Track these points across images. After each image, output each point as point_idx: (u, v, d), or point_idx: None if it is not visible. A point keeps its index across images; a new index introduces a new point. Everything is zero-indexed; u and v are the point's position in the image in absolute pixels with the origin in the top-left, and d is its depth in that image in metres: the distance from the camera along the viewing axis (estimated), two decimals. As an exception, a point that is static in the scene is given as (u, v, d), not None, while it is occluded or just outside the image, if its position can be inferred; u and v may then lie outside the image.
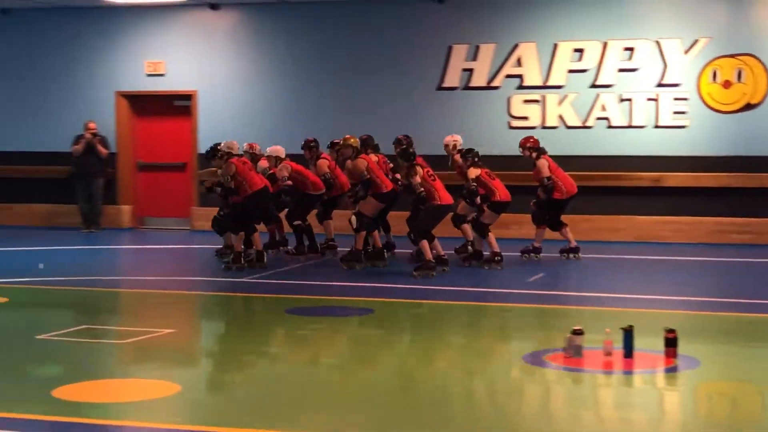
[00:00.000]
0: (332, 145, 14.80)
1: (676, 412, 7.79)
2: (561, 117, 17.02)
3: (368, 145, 14.50)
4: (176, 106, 18.73)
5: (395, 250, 14.82)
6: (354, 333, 10.45)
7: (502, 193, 14.07)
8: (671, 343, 8.75)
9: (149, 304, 12.18)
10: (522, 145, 14.73)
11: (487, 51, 17.21)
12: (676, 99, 16.63)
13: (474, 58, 17.29)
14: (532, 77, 17.10)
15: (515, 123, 17.14)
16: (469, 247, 14.33)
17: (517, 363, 8.89)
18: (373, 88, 17.70)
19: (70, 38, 18.81)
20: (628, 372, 8.53)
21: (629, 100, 16.77)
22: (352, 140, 14.06)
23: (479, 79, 17.29)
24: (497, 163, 15.63)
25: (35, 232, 18.03)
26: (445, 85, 17.43)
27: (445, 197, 13.39)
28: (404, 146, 14.07)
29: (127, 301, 12.61)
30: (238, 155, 13.97)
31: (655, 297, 11.92)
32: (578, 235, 15.16)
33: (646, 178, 16.70)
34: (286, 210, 14.82)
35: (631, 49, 16.75)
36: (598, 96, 16.88)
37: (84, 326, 10.56)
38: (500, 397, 8.02)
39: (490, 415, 7.52)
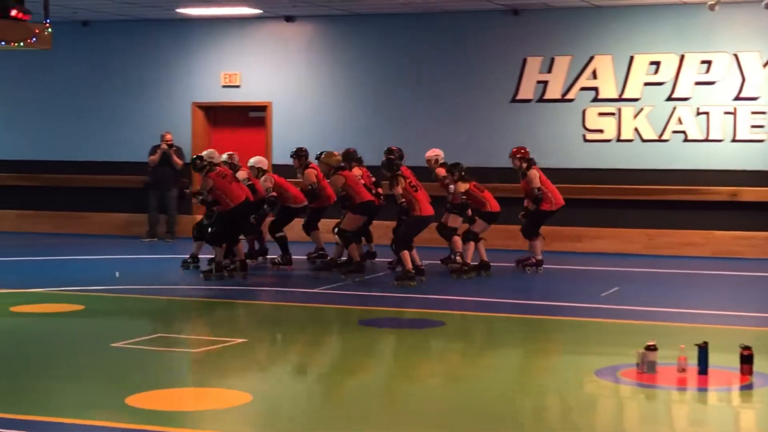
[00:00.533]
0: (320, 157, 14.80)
1: (751, 429, 7.66)
2: (636, 130, 16.84)
3: (351, 158, 14.79)
4: (251, 117, 18.87)
5: (375, 259, 14.99)
6: (426, 345, 10.41)
7: (492, 203, 14.29)
8: (747, 360, 8.61)
9: (221, 313, 12.26)
10: (512, 155, 14.76)
11: (562, 63, 17.11)
12: (753, 113, 16.37)
13: (549, 71, 17.19)
14: (608, 90, 16.96)
15: (590, 136, 17.00)
16: (458, 258, 14.36)
17: (590, 378, 8.80)
18: (446, 99, 17.67)
19: (148, 50, 19.06)
20: (703, 389, 8.40)
21: (706, 113, 16.55)
22: (333, 159, 14.18)
23: (554, 92, 17.19)
24: (572, 176, 15.51)
25: (111, 241, 18.26)
26: (520, 97, 17.35)
27: (426, 209, 13.65)
28: (391, 157, 14.24)
29: (199, 310, 12.70)
30: (219, 164, 14.19)
31: (731, 313, 11.73)
32: (654, 250, 14.98)
33: (722, 192, 16.46)
34: (270, 220, 15.10)
35: (708, 62, 16.54)
36: (674, 109, 16.68)
37: (157, 335, 10.66)
38: (572, 414, 7.94)
39: None
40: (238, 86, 18.65)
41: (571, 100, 17.10)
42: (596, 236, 15.34)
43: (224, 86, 18.70)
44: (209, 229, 14.04)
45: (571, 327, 11.36)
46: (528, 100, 17.31)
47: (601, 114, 16.98)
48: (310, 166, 14.92)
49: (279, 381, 9.06)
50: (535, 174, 14.52)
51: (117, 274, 14.25)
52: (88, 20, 18.99)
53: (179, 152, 18.42)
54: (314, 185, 14.74)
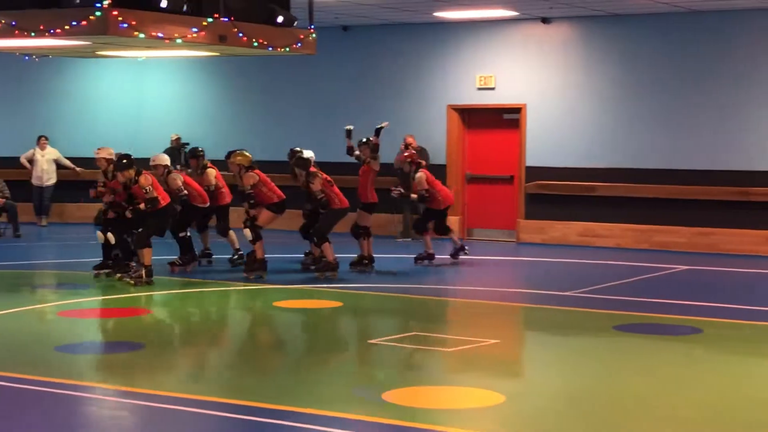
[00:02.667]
0: (228, 156, 14.75)
1: None
2: None
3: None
4: (505, 119, 18.91)
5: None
6: (687, 352, 10.15)
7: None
8: None
9: (475, 313, 12.35)
10: (402, 160, 15.78)
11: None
12: None
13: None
14: None
15: None
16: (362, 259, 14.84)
17: None
18: (705, 100, 17.17)
19: (405, 53, 19.39)
20: None
21: None
22: (239, 158, 14.26)
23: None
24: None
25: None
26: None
27: (343, 201, 14.38)
28: (298, 154, 14.75)
29: (453, 310, 12.84)
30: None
31: None
32: None
33: None
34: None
35: None
36: None
37: (413, 333, 10.84)
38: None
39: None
40: (492, 88, 18.72)
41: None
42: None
43: (479, 88, 18.81)
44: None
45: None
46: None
47: None
48: (209, 166, 15.03)
49: (532, 382, 9.05)
50: (422, 176, 15.38)
51: (374, 272, 14.60)
52: (348, 25, 19.50)
53: (423, 153, 18.57)
54: (211, 186, 14.86)
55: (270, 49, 12.79)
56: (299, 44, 12.96)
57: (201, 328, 11.62)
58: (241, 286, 13.60)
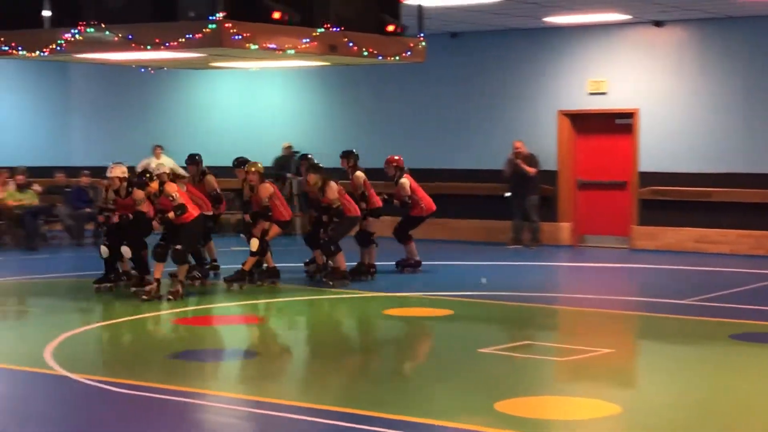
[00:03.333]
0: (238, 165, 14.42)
1: None
2: None
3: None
4: (617, 124, 18.69)
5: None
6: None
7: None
8: None
9: (587, 322, 12.22)
10: (387, 163, 15.29)
11: None
12: None
13: None
14: None
15: None
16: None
17: None
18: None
19: (514, 59, 19.29)
20: None
21: None
22: (258, 167, 14.02)
23: None
24: None
25: (476, 247, 18.60)
26: None
27: (355, 209, 14.26)
28: (311, 161, 14.60)
29: (566, 318, 12.72)
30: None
31: None
32: None
33: None
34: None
35: None
36: None
37: (524, 342, 10.77)
38: None
39: None
40: (604, 93, 18.52)
41: None
42: None
43: (590, 93, 18.62)
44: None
45: None
46: None
47: None
48: (207, 172, 14.76)
49: (647, 393, 8.91)
50: (406, 182, 15.13)
51: (483, 280, 14.51)
52: (457, 32, 19.47)
53: (530, 159, 18.47)
54: (218, 190, 14.68)
55: (380, 57, 12.83)
56: (409, 52, 12.98)
57: (313, 336, 11.71)
58: (352, 294, 13.66)
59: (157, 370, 9.64)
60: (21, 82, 21.77)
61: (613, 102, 18.46)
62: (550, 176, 18.71)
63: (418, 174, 19.74)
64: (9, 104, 21.92)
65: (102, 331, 11.74)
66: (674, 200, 17.87)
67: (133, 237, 13.41)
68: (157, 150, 20.78)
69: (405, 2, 13.26)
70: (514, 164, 18.44)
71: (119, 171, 13.51)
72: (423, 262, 15.46)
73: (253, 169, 14.04)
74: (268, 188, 14.01)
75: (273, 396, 8.52)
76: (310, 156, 15.24)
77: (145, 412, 8.15)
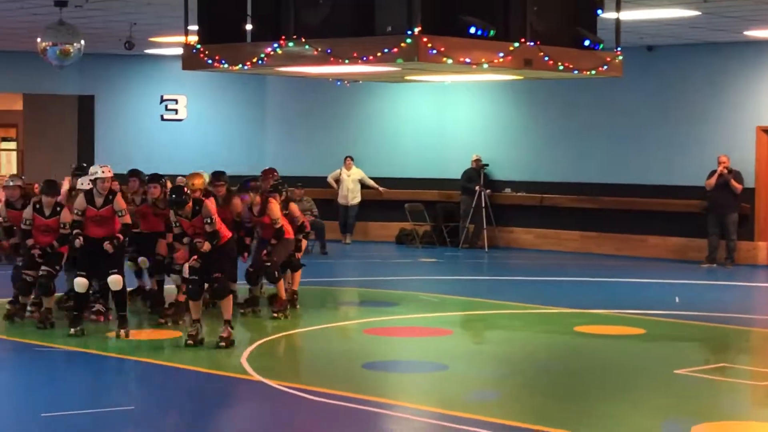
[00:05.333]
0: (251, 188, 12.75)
1: None
2: None
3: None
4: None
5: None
6: None
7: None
8: None
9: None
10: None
11: None
12: None
13: None
14: None
15: None
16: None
17: None
18: None
19: (712, 73, 18.83)
20: None
21: None
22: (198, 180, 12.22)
23: None
24: None
25: (668, 265, 18.21)
26: None
27: (291, 231, 12.78)
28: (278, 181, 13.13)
29: (762, 340, 12.34)
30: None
31: None
32: None
33: None
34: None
35: None
36: None
37: (721, 364, 10.49)
38: None
39: None
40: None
41: None
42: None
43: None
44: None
45: None
46: None
47: None
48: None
49: None
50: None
51: (677, 299, 14.22)
52: (653, 45, 19.14)
53: (738, 176, 17.99)
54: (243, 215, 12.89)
55: (575, 72, 12.72)
56: (605, 67, 12.80)
57: (503, 350, 11.65)
58: (540, 310, 13.57)
59: (349, 378, 9.79)
60: (222, 92, 22.40)
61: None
62: (747, 194, 18.18)
63: (615, 188, 19.60)
64: (211, 115, 22.54)
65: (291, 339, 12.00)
66: None
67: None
68: (347, 161, 21.11)
69: (602, 16, 13.10)
70: (724, 179, 17.95)
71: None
72: (613, 279, 15.23)
73: (200, 182, 12.10)
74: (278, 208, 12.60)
75: (460, 409, 8.54)
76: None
77: (337, 420, 8.29)
